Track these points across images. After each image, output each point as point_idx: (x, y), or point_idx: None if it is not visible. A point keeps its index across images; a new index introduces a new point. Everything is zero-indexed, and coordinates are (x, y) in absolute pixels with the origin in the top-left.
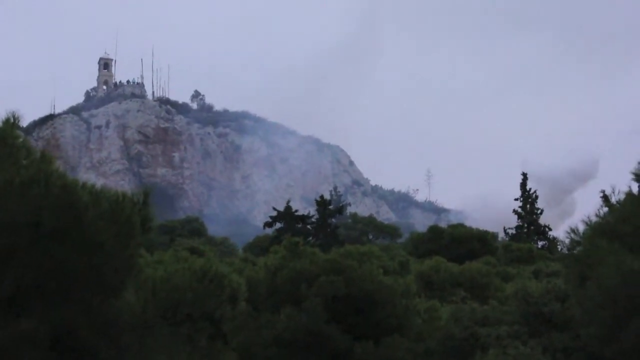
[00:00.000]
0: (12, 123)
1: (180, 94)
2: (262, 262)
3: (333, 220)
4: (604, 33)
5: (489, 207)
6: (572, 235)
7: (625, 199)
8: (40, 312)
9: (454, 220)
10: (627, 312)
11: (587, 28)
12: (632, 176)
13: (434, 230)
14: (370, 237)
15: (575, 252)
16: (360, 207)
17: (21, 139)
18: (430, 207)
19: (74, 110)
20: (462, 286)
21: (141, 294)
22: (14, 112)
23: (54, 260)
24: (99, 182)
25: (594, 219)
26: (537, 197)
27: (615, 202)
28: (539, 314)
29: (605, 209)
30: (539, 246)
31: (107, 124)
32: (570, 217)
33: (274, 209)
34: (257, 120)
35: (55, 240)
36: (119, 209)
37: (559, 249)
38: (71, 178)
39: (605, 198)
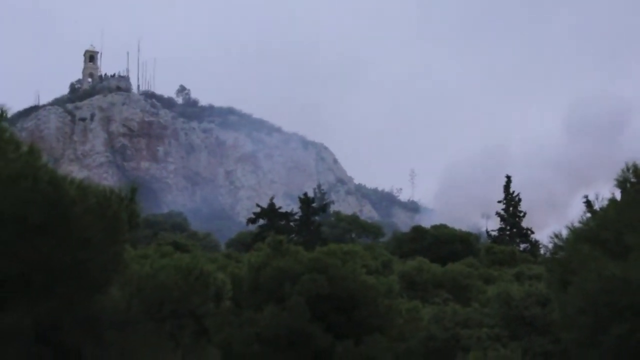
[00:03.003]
0: None
1: (166, 88)
2: (246, 259)
3: (316, 218)
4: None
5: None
6: (555, 240)
7: (607, 205)
8: (24, 307)
9: (437, 220)
10: (607, 317)
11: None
12: (615, 182)
13: (417, 230)
14: (353, 235)
15: (557, 256)
16: (343, 205)
17: (8, 133)
18: (413, 207)
19: (59, 102)
20: (445, 287)
21: (126, 290)
22: (1, 105)
23: (39, 255)
24: (82, 175)
25: (577, 224)
26: (520, 200)
27: (598, 208)
28: (520, 317)
29: (588, 215)
30: (521, 249)
31: (92, 117)
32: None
33: (258, 205)
34: (242, 116)
35: (41, 234)
36: (106, 205)
37: (542, 253)
38: (59, 173)
39: (589, 204)
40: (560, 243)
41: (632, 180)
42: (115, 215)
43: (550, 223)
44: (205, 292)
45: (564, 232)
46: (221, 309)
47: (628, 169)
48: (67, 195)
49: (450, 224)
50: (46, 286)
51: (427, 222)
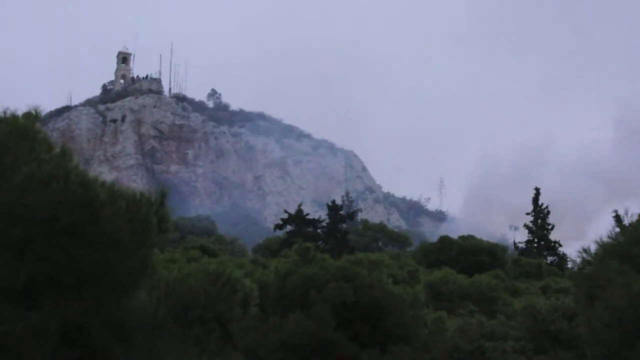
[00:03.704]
0: (34, 117)
1: (197, 92)
2: (273, 265)
3: (344, 225)
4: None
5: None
6: (584, 254)
7: (637, 220)
8: (52, 307)
9: (464, 230)
10: (634, 333)
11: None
12: None
13: (444, 240)
14: (380, 244)
15: (585, 271)
16: (371, 213)
17: (42, 134)
18: (441, 217)
19: (91, 103)
20: (471, 299)
21: (154, 294)
22: (35, 107)
23: (68, 256)
24: (111, 176)
25: (606, 239)
26: (548, 212)
27: (627, 224)
28: (546, 331)
29: (617, 230)
30: (548, 262)
31: (123, 118)
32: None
33: (285, 211)
34: (272, 121)
35: (71, 236)
36: (135, 208)
37: (570, 267)
38: (90, 175)
39: (618, 218)
40: (588, 258)
41: None
42: (145, 219)
43: (583, 234)
44: (232, 298)
45: (593, 247)
46: (247, 315)
47: None
48: (98, 197)
49: (478, 234)
50: (75, 288)
51: (454, 232)
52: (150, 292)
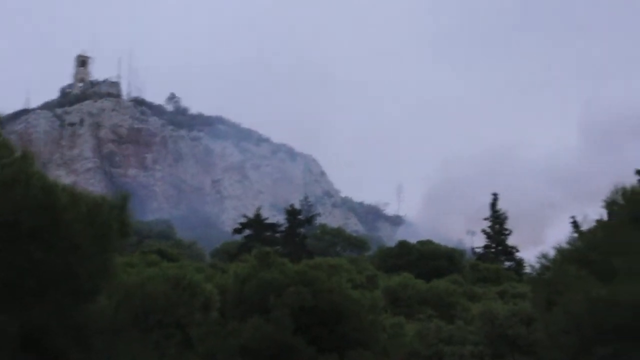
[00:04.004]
0: None
1: (156, 96)
2: (232, 269)
3: (302, 230)
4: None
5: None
6: (542, 260)
7: (595, 226)
8: (12, 311)
9: (422, 235)
10: (592, 338)
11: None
12: (603, 204)
13: (403, 245)
14: (338, 249)
15: (544, 276)
16: (329, 218)
17: (2, 137)
18: (399, 221)
19: (49, 106)
20: (429, 304)
21: (114, 298)
22: None
23: (30, 261)
24: (69, 180)
25: (564, 245)
26: (506, 217)
27: (585, 230)
28: (504, 335)
29: (575, 235)
30: (506, 267)
31: (81, 122)
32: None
33: (244, 215)
34: (231, 125)
35: (32, 240)
36: (96, 212)
37: (528, 272)
38: (51, 179)
39: (575, 224)
40: (547, 263)
41: (621, 202)
42: (106, 223)
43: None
44: (193, 303)
45: (551, 252)
46: (208, 320)
47: (617, 192)
48: (59, 201)
49: (435, 239)
50: (36, 292)
51: (412, 237)
52: (110, 296)
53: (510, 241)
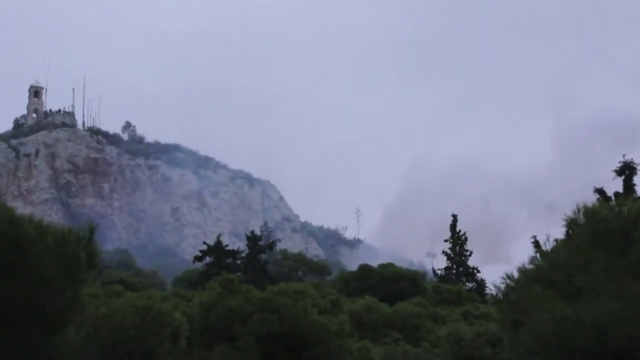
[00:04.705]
0: None
1: (112, 125)
2: (197, 298)
3: (263, 256)
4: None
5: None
6: (507, 280)
7: (558, 246)
8: None
9: (382, 259)
10: (558, 358)
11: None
12: (564, 222)
13: (364, 269)
14: (300, 274)
15: (509, 297)
16: (289, 243)
17: None
18: (359, 245)
19: (3, 138)
20: (394, 327)
21: (83, 330)
22: None
23: None
24: (26, 211)
25: (527, 265)
26: (466, 238)
27: (548, 249)
28: (470, 357)
29: (537, 255)
30: (468, 288)
31: (37, 153)
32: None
33: (205, 243)
34: (189, 153)
35: None
36: (64, 244)
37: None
38: (17, 213)
39: (537, 244)
40: (511, 284)
41: (582, 222)
42: (74, 255)
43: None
44: (162, 332)
45: (514, 272)
46: (177, 349)
47: (579, 210)
48: (26, 234)
49: (396, 262)
50: (3, 326)
51: (372, 260)
52: (78, 328)
53: (472, 260)
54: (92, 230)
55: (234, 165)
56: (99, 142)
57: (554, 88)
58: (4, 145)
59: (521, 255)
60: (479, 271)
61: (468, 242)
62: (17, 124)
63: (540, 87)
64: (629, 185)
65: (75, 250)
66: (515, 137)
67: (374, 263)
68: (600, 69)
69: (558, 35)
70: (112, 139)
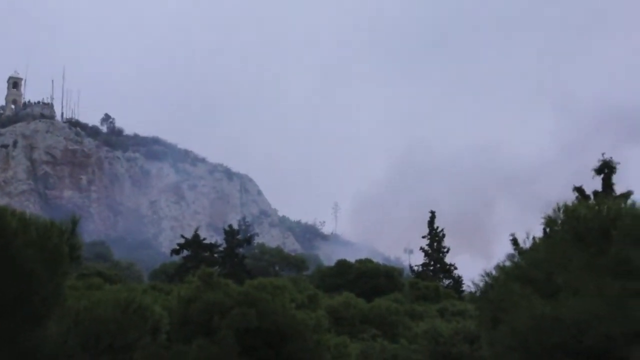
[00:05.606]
0: None
1: (90, 117)
2: (176, 291)
3: (241, 250)
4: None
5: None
6: (486, 278)
7: (537, 244)
8: None
9: (359, 254)
10: (537, 355)
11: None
12: (543, 221)
13: (342, 264)
14: (277, 268)
15: (488, 295)
16: (267, 237)
17: None
18: (336, 240)
19: None
20: (372, 323)
21: (64, 323)
22: None
23: None
24: (3, 202)
25: (505, 263)
26: (444, 235)
27: (527, 247)
28: (448, 353)
29: (515, 252)
30: (445, 285)
31: (15, 144)
32: None
33: (182, 236)
34: (167, 146)
35: None
36: (47, 237)
37: (474, 291)
38: (1, 205)
39: (515, 242)
40: (490, 281)
41: (561, 220)
42: (57, 248)
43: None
44: (143, 326)
45: (493, 270)
46: (157, 343)
47: (559, 209)
48: (9, 227)
49: (373, 257)
50: None
51: (349, 256)
52: (60, 321)
53: (456, 255)
54: (74, 222)
55: (213, 158)
56: (77, 134)
57: (553, 79)
58: None
59: (499, 249)
60: (456, 268)
61: (446, 239)
62: None
63: (538, 79)
64: (608, 184)
65: (57, 242)
66: (506, 130)
67: (352, 258)
68: (602, 60)
69: (557, 27)
70: (91, 131)
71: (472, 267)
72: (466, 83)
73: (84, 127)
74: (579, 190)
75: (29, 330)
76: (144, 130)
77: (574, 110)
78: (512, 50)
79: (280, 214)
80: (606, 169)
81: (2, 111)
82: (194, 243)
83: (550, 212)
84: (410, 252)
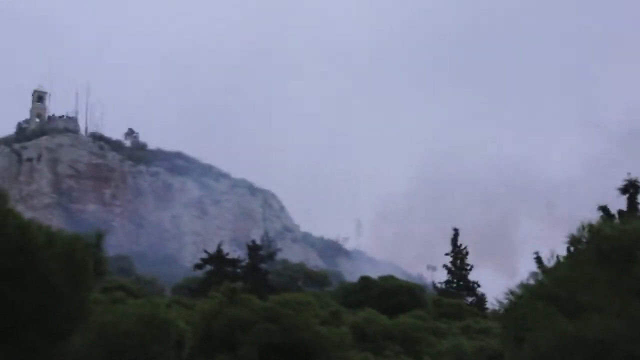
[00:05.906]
0: None
1: (114, 131)
2: (199, 306)
3: (263, 265)
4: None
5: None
6: (510, 296)
7: (561, 262)
8: None
9: (382, 270)
10: None
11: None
12: (567, 240)
13: (365, 280)
14: (300, 284)
15: (512, 313)
16: (289, 253)
17: None
18: (359, 256)
19: (5, 142)
20: (395, 340)
21: (88, 337)
22: None
23: (4, 301)
24: (27, 216)
25: (529, 281)
26: (467, 252)
27: (551, 265)
28: None
29: (539, 271)
30: (468, 302)
31: (39, 157)
32: None
33: (205, 251)
34: (190, 160)
35: (7, 280)
36: (72, 251)
37: (498, 309)
38: (26, 218)
39: (539, 260)
40: (514, 299)
41: (585, 239)
42: (82, 262)
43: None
44: (166, 341)
45: (517, 288)
46: (180, 357)
47: (583, 228)
48: (35, 241)
49: (395, 274)
50: (9, 332)
51: (372, 272)
52: (84, 335)
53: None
54: (99, 237)
55: (236, 174)
56: (101, 147)
57: (579, 95)
58: (6, 149)
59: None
60: (479, 285)
61: (469, 256)
62: (20, 128)
63: (563, 94)
64: (633, 204)
65: (83, 257)
66: (531, 146)
67: (374, 275)
68: (629, 77)
69: (584, 42)
70: (115, 145)
71: (494, 282)
72: (490, 98)
73: (107, 141)
74: (604, 209)
75: (52, 343)
76: (167, 144)
77: (600, 126)
78: (537, 65)
79: (302, 229)
80: (631, 189)
81: (26, 125)
82: (217, 258)
83: (574, 231)
84: (434, 269)
